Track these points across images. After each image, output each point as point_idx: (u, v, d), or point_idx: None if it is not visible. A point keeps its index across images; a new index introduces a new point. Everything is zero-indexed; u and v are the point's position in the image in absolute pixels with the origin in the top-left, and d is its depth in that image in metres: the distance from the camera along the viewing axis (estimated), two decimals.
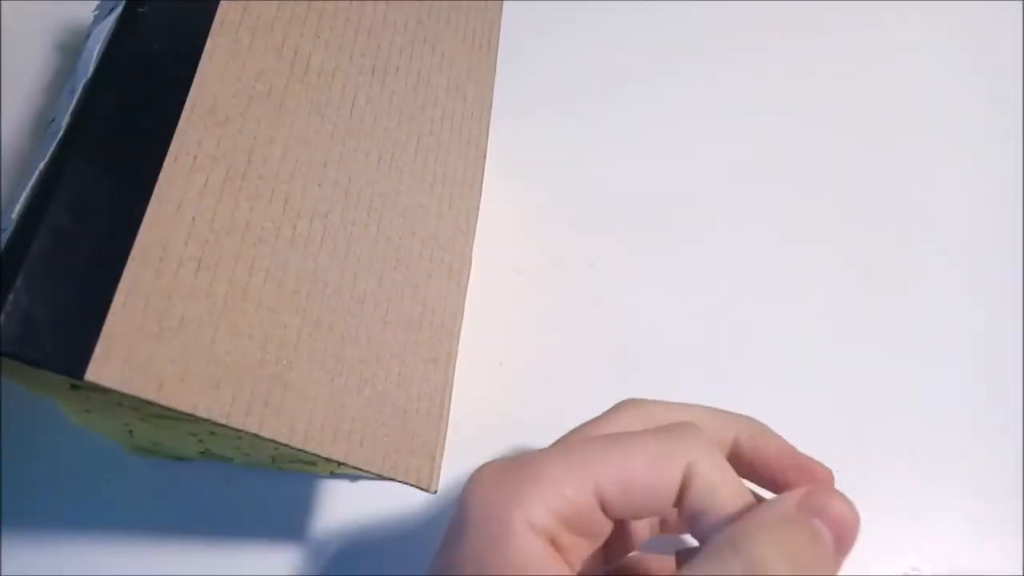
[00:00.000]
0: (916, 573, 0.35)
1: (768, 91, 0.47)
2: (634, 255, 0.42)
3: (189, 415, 0.24)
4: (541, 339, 0.41)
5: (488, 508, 0.26)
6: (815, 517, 0.25)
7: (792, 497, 0.26)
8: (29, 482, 0.38)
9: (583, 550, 0.27)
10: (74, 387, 0.28)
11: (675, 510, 0.27)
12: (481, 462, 0.37)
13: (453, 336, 0.34)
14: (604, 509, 0.26)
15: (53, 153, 0.25)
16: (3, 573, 0.37)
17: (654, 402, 0.30)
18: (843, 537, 0.25)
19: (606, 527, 0.27)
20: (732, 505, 0.26)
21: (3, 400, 0.39)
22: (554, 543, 0.26)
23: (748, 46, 0.48)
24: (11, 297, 0.22)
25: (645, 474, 0.26)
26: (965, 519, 0.36)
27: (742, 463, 0.30)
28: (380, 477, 0.30)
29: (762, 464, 0.30)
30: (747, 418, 0.30)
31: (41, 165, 0.25)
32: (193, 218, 0.26)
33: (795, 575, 0.23)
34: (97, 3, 0.33)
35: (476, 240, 0.37)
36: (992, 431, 0.38)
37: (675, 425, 0.28)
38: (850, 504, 0.26)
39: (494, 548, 0.25)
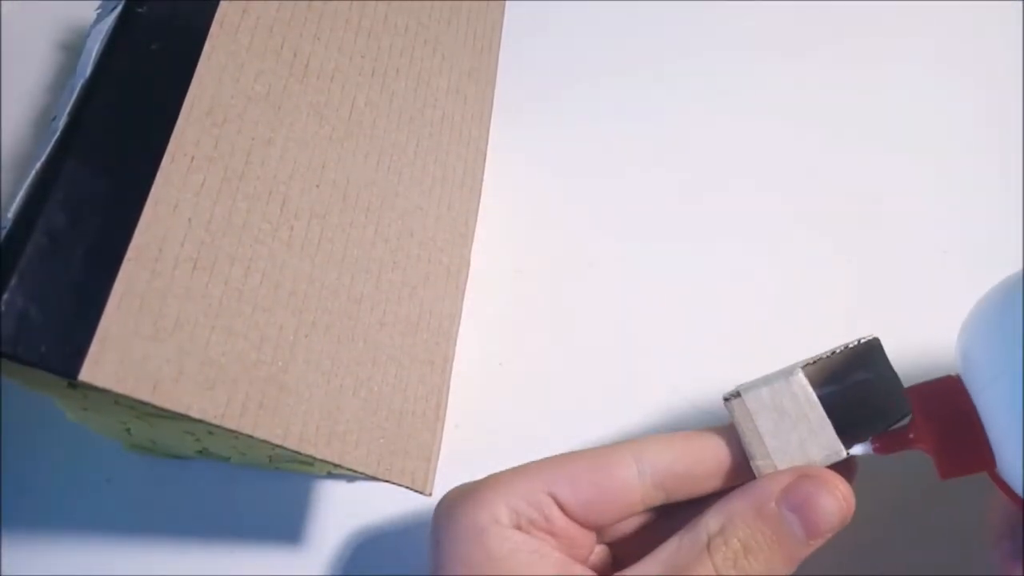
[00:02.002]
0: None
1: (768, 94, 0.46)
2: (634, 255, 0.42)
3: (184, 416, 0.24)
4: (541, 339, 0.41)
5: (456, 519, 0.29)
6: (793, 511, 0.27)
7: (776, 484, 0.28)
8: (29, 482, 0.38)
9: (558, 547, 0.29)
10: (71, 386, 0.28)
11: None
12: (480, 463, 0.38)
13: (450, 339, 0.34)
14: (563, 509, 0.29)
15: (50, 153, 0.25)
16: (3, 573, 0.37)
17: (645, 440, 0.31)
18: (820, 529, 0.27)
19: (577, 532, 0.30)
20: (709, 457, 0.29)
21: (3, 400, 0.40)
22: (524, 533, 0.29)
23: (749, 49, 0.48)
24: (6, 297, 0.22)
25: (589, 469, 0.29)
26: None
27: (741, 473, 0.30)
28: (375, 479, 0.30)
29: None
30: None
31: (38, 164, 0.25)
32: (190, 219, 0.26)
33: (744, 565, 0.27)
34: (99, 2, 0.33)
35: (475, 241, 0.37)
36: None
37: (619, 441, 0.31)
38: (837, 495, 0.27)
39: (476, 548, 0.28)
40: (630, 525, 0.31)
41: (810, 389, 0.28)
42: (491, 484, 0.29)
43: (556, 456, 0.30)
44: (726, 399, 0.29)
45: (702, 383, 0.39)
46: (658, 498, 0.30)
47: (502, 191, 0.42)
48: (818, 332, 0.40)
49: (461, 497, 0.29)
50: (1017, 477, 0.26)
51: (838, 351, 0.30)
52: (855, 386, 0.31)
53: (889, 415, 0.30)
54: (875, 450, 0.29)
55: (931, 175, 0.44)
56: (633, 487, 0.29)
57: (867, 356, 0.30)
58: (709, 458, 0.30)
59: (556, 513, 0.29)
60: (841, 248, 0.42)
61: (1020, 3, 0.48)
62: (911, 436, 0.28)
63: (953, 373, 0.29)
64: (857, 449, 0.29)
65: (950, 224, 0.42)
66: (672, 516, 0.31)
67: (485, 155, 0.39)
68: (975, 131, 0.45)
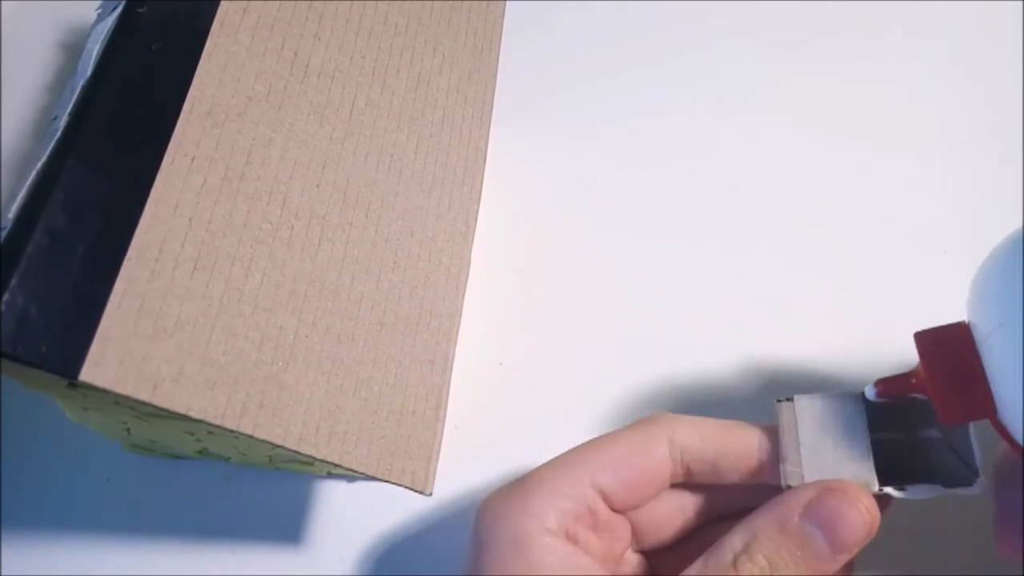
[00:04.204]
0: None
1: (768, 94, 0.46)
2: (634, 255, 0.42)
3: (184, 416, 0.24)
4: (541, 339, 0.41)
5: (501, 525, 0.28)
6: (816, 526, 0.27)
7: (800, 499, 0.27)
8: (29, 482, 0.38)
9: (601, 545, 0.30)
10: (71, 386, 0.28)
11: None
12: (480, 463, 0.38)
13: (451, 338, 0.34)
14: (606, 499, 0.29)
15: (50, 153, 0.25)
16: (3, 573, 0.37)
17: (677, 417, 0.31)
18: (844, 543, 0.27)
19: (616, 521, 0.30)
20: (732, 450, 0.30)
21: (3, 400, 0.40)
22: (571, 540, 0.29)
23: (749, 50, 0.48)
24: (6, 297, 0.22)
25: (629, 453, 0.30)
26: None
27: (764, 473, 0.30)
28: (375, 479, 0.30)
29: None
30: (761, 424, 0.31)
31: (38, 165, 0.25)
32: (190, 219, 0.26)
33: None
34: (100, 2, 0.33)
35: (476, 240, 0.37)
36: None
37: (649, 415, 0.31)
38: (861, 509, 0.27)
39: (518, 558, 0.28)
40: (667, 536, 0.32)
41: (863, 417, 0.28)
42: (536, 487, 0.29)
43: (594, 441, 0.31)
44: (778, 400, 0.29)
45: (702, 383, 0.39)
46: (681, 476, 0.30)
47: (502, 191, 0.42)
48: (819, 332, 0.40)
49: (508, 502, 0.29)
50: (1017, 427, 0.26)
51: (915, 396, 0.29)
52: (921, 442, 0.30)
53: (947, 479, 0.29)
54: (877, 394, 0.29)
55: (931, 175, 0.44)
56: (666, 465, 0.30)
57: None
58: (735, 450, 0.30)
59: (601, 506, 0.29)
60: (841, 248, 0.42)
61: (1020, 3, 0.48)
62: (913, 381, 0.28)
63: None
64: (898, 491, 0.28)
65: (950, 224, 0.42)
66: (712, 528, 0.31)
67: (485, 155, 0.39)
68: (975, 131, 0.45)
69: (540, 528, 0.28)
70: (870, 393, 0.29)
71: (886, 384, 0.29)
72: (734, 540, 0.27)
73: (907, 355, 0.39)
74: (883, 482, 0.28)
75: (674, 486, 0.31)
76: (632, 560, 0.32)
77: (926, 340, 0.28)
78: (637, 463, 0.30)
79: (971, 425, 0.29)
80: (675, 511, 0.32)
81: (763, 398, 0.36)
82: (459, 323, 0.35)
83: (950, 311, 0.40)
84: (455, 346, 0.34)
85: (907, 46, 0.48)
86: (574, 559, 0.28)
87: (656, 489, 0.30)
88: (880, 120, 0.45)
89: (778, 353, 0.40)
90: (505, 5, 0.42)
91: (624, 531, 0.31)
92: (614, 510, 0.30)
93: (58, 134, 0.25)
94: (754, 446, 0.30)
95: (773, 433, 0.30)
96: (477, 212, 0.37)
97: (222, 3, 0.29)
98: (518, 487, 0.29)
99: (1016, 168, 0.43)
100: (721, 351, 0.40)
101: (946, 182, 0.44)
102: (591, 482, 0.29)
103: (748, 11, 0.49)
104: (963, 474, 0.29)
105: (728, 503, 0.32)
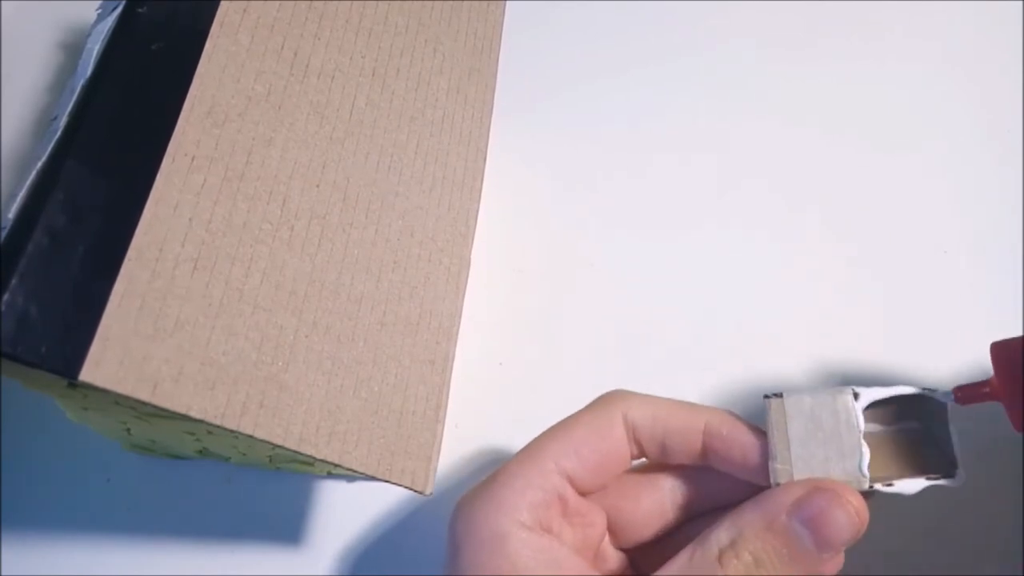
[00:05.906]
0: None
1: (768, 94, 0.46)
2: (633, 255, 0.42)
3: (184, 416, 0.24)
4: (541, 339, 0.41)
5: (476, 524, 0.28)
6: (804, 525, 0.27)
7: (788, 497, 0.27)
8: (29, 482, 0.38)
9: (575, 533, 0.30)
10: (71, 386, 0.28)
11: None
12: (479, 462, 0.38)
13: (451, 338, 0.34)
14: (573, 484, 0.30)
15: (50, 153, 0.25)
16: (3, 573, 0.37)
17: (631, 394, 0.32)
18: (831, 543, 0.27)
19: (586, 507, 0.30)
20: (677, 430, 0.30)
21: (3, 400, 0.40)
22: (546, 530, 0.29)
23: (749, 49, 0.48)
24: (6, 297, 0.22)
25: (589, 435, 0.30)
26: None
27: (714, 453, 0.30)
28: (375, 479, 0.30)
29: (731, 454, 0.30)
30: (718, 409, 0.31)
31: (38, 165, 0.25)
32: (190, 219, 0.26)
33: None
34: (99, 2, 0.33)
35: (476, 240, 0.37)
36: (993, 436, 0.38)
37: (604, 394, 0.32)
38: (850, 510, 0.27)
39: (495, 556, 0.28)
40: (648, 533, 0.32)
41: (857, 414, 0.28)
42: (507, 481, 0.29)
43: (555, 428, 0.31)
44: (766, 397, 0.29)
45: (702, 383, 0.39)
46: (636, 453, 0.31)
47: (502, 191, 0.42)
48: (818, 332, 0.40)
49: (479, 500, 0.29)
50: None
51: (901, 391, 0.29)
52: (901, 432, 0.30)
53: (929, 472, 0.29)
54: (956, 400, 0.29)
55: (931, 175, 0.44)
56: (625, 444, 0.30)
57: (926, 409, 0.30)
58: (681, 431, 0.30)
59: (569, 491, 0.30)
60: (841, 247, 0.42)
61: (1020, 3, 0.48)
62: (987, 390, 0.28)
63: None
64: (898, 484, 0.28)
65: (950, 224, 0.42)
66: (692, 525, 0.31)
67: (485, 155, 0.39)
68: (975, 131, 0.45)
69: (514, 523, 0.28)
70: (949, 399, 0.29)
71: (964, 392, 0.29)
72: (720, 535, 0.27)
73: (906, 354, 0.39)
74: (871, 479, 0.28)
75: (653, 483, 0.32)
76: (614, 557, 0.32)
77: (1001, 351, 0.28)
78: (598, 445, 0.30)
79: (950, 416, 0.29)
80: (655, 509, 0.32)
81: (761, 397, 0.36)
82: (459, 323, 0.35)
83: (951, 311, 0.40)
84: (455, 346, 0.34)
85: (907, 46, 0.48)
86: (550, 552, 0.28)
87: (619, 467, 0.31)
88: (880, 120, 0.45)
89: (777, 352, 0.40)
90: (505, 5, 0.42)
91: (597, 519, 0.31)
92: (581, 494, 0.30)
93: (58, 134, 0.25)
94: (699, 429, 0.30)
95: (724, 417, 0.30)
96: (477, 212, 0.37)
97: (222, 3, 0.29)
98: (489, 484, 0.29)
99: (1016, 168, 0.43)
100: (720, 350, 0.40)
101: (946, 182, 0.44)
102: (557, 468, 0.29)
103: (748, 11, 0.49)
104: (944, 466, 0.29)
105: (708, 500, 0.32)
